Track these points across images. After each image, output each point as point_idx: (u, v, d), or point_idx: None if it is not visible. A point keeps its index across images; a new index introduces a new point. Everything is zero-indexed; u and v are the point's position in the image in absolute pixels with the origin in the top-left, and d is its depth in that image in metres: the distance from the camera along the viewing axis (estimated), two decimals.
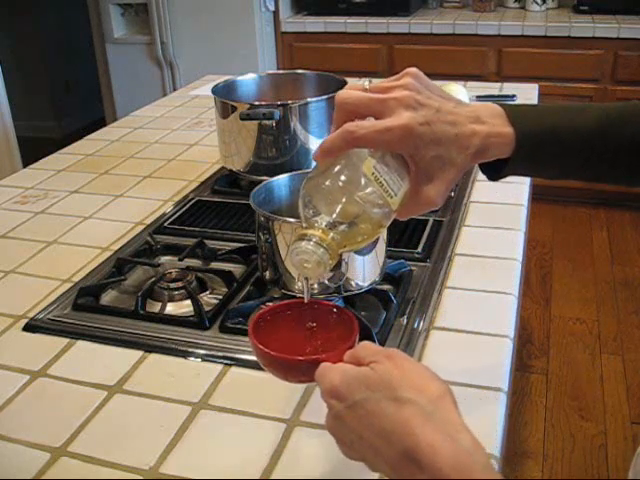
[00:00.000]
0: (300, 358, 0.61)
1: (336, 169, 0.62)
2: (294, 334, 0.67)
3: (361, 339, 0.89)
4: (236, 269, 1.09)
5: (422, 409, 0.50)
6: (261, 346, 0.63)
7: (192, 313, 0.96)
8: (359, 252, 0.91)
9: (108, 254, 1.16)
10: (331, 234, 0.60)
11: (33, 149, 2.63)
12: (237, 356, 0.88)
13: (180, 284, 1.02)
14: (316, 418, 0.78)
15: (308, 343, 0.67)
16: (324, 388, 0.56)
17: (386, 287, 1.00)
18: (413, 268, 1.06)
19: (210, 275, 1.07)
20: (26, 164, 1.71)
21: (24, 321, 0.98)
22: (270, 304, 0.99)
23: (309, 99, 1.31)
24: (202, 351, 0.90)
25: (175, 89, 3.29)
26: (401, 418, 0.49)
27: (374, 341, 0.87)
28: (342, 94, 0.67)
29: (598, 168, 0.68)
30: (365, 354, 0.56)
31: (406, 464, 0.48)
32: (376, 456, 0.51)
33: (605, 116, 0.66)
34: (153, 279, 1.03)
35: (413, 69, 0.65)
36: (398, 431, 0.49)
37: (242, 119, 1.28)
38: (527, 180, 1.42)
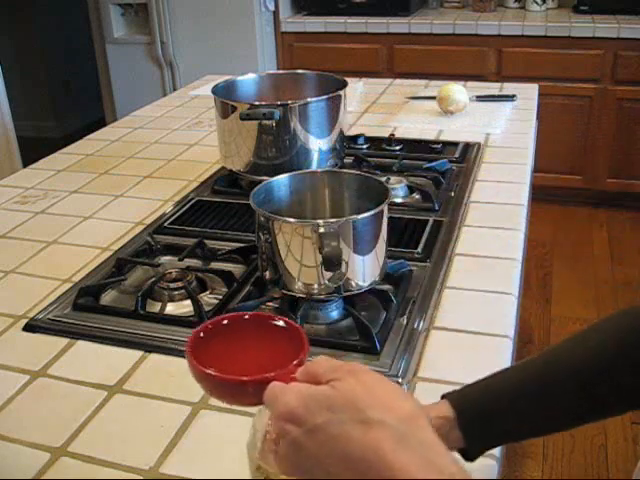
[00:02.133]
0: (245, 378, 0.52)
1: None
2: (237, 352, 0.59)
3: (361, 339, 0.89)
4: (236, 269, 1.09)
5: (394, 431, 0.43)
6: (201, 367, 0.55)
7: (192, 313, 0.96)
8: (359, 252, 0.91)
9: (108, 254, 1.16)
10: None
11: (33, 149, 2.63)
12: None
13: (180, 284, 1.02)
14: None
15: (254, 361, 0.57)
16: (277, 412, 0.48)
17: (386, 287, 1.00)
18: (413, 268, 1.06)
19: (210, 275, 1.07)
20: (26, 164, 1.71)
21: (24, 321, 0.98)
22: (265, 308, 0.99)
23: (309, 99, 1.31)
24: None
25: (175, 89, 3.29)
26: (370, 442, 0.43)
27: (374, 341, 0.87)
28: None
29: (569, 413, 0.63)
30: (323, 370, 0.50)
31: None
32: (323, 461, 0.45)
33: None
34: (153, 279, 1.03)
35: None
36: (368, 458, 0.42)
37: (242, 119, 1.28)
38: (527, 180, 1.42)
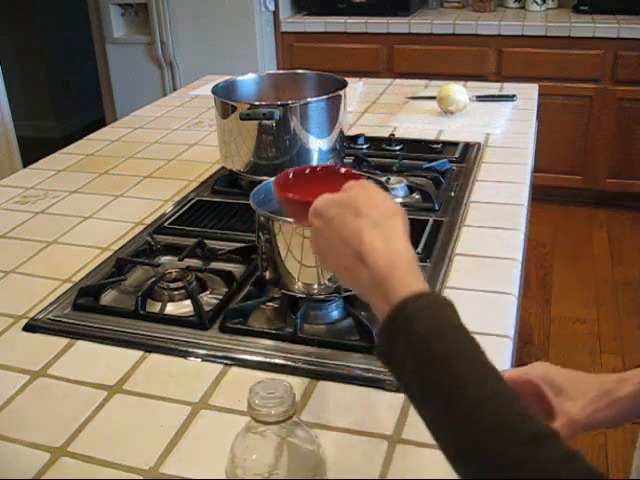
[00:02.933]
0: (305, 200, 0.68)
1: None
2: (313, 190, 0.70)
3: (361, 339, 0.89)
4: (236, 269, 1.09)
5: (373, 220, 0.60)
6: (282, 192, 0.73)
7: (192, 313, 0.96)
8: None
9: (108, 254, 1.16)
10: None
11: (33, 149, 2.63)
12: (237, 356, 0.88)
13: (180, 284, 1.02)
14: (317, 418, 0.78)
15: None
16: (310, 212, 0.65)
17: None
18: None
19: (210, 275, 1.07)
20: (26, 164, 1.71)
21: (24, 321, 0.98)
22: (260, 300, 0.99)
23: (309, 99, 1.31)
24: (202, 351, 0.90)
25: (175, 89, 3.29)
26: (356, 226, 0.60)
27: (374, 342, 0.87)
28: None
29: None
30: (348, 185, 0.65)
31: (355, 263, 0.59)
32: (339, 262, 0.62)
33: None
34: (153, 279, 1.03)
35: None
36: (353, 236, 0.59)
37: (242, 119, 1.28)
38: (527, 180, 1.42)
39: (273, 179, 0.79)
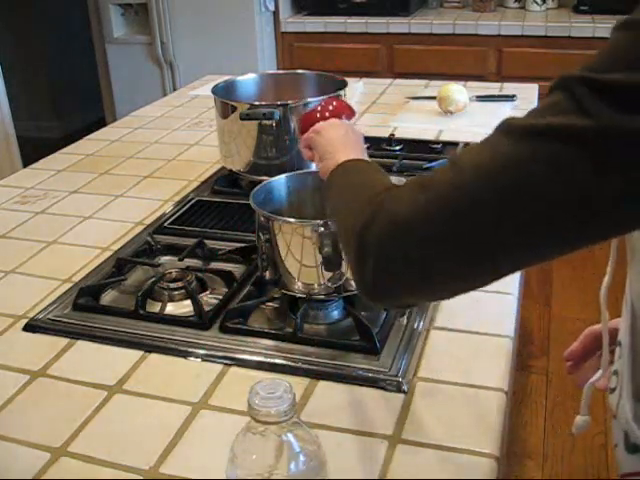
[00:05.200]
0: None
1: None
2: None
3: (361, 339, 0.89)
4: (236, 269, 1.09)
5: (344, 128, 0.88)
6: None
7: (192, 313, 0.97)
8: None
9: (108, 254, 1.16)
10: None
11: (33, 149, 2.63)
12: (237, 356, 0.88)
13: (180, 284, 1.02)
14: (317, 419, 0.78)
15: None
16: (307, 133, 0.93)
17: None
18: None
19: (210, 275, 1.07)
20: (26, 164, 1.71)
21: (24, 321, 0.98)
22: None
23: (309, 99, 1.31)
24: (202, 351, 0.90)
25: (175, 89, 3.28)
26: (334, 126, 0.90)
27: (374, 341, 0.88)
28: None
29: None
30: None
31: (324, 153, 0.85)
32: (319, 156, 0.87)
33: None
34: (153, 279, 1.03)
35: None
36: (325, 143, 0.86)
37: (242, 119, 1.28)
38: None
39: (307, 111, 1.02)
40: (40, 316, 0.99)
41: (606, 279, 0.77)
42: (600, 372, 0.79)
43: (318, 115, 0.97)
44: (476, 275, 0.56)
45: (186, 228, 1.24)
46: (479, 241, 0.52)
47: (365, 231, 0.57)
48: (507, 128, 0.51)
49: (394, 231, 0.55)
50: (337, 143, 0.83)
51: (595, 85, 0.47)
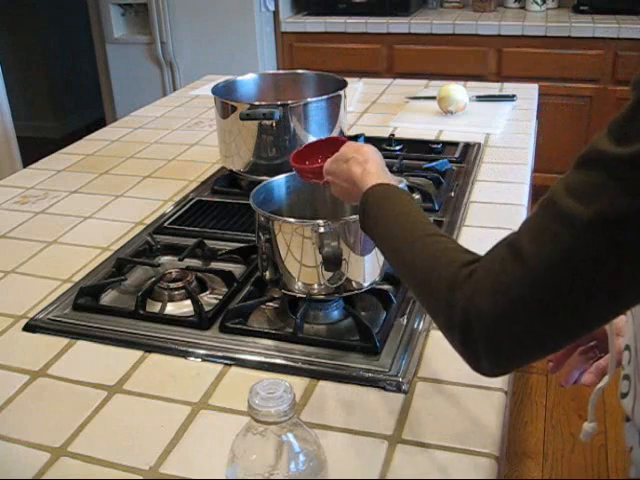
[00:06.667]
0: (303, 167, 0.96)
1: None
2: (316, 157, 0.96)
3: (361, 339, 0.89)
4: (236, 269, 1.09)
5: (355, 160, 0.83)
6: (294, 163, 0.96)
7: (192, 313, 0.96)
8: (359, 252, 0.91)
9: (108, 254, 1.16)
10: None
11: (33, 149, 2.63)
12: (237, 356, 0.88)
13: (180, 284, 1.02)
14: (317, 419, 0.78)
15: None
16: (324, 173, 0.89)
17: (386, 287, 1.00)
18: None
19: (210, 275, 1.07)
20: (26, 164, 1.71)
21: (24, 321, 0.98)
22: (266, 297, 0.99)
23: (309, 99, 1.31)
24: (202, 351, 0.90)
25: (175, 89, 3.28)
26: (344, 168, 0.84)
27: (374, 341, 0.88)
28: None
29: None
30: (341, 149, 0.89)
31: (349, 186, 0.84)
32: (343, 191, 0.86)
33: None
34: (153, 279, 1.03)
35: None
36: (345, 173, 0.84)
37: (242, 119, 1.28)
38: (527, 180, 1.42)
39: (291, 155, 0.98)
40: (40, 316, 0.99)
41: None
42: (607, 378, 0.81)
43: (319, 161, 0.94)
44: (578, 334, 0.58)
45: (186, 228, 1.24)
46: (566, 324, 0.55)
47: (463, 320, 0.58)
48: (561, 215, 0.53)
49: (491, 334, 0.57)
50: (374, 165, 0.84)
51: (633, 162, 0.49)
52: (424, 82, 2.18)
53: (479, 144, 1.61)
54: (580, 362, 0.90)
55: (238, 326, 0.94)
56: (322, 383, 0.84)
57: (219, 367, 0.87)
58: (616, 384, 0.79)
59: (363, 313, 0.94)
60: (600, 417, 2.01)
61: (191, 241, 1.15)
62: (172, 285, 1.02)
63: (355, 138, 1.62)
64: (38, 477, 0.71)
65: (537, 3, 3.39)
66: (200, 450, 0.74)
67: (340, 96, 1.35)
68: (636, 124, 0.50)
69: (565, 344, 0.61)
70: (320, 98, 1.31)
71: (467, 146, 1.59)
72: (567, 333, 0.57)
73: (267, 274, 0.97)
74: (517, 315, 0.55)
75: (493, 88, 2.08)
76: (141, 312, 0.97)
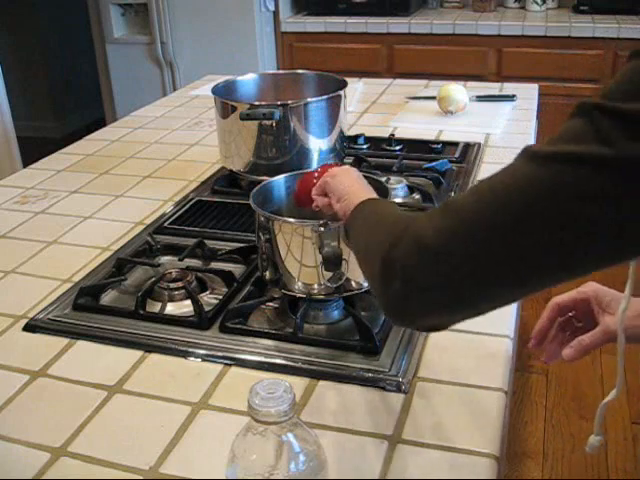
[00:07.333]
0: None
1: None
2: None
3: (361, 339, 0.89)
4: (236, 269, 1.09)
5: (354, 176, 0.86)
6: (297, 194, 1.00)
7: (192, 313, 0.96)
8: None
9: (108, 254, 1.16)
10: None
11: (33, 149, 2.63)
12: (237, 356, 0.88)
13: (180, 284, 1.02)
14: (317, 419, 0.78)
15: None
16: (317, 187, 0.90)
17: None
18: None
19: (210, 275, 1.07)
20: (26, 164, 1.71)
21: (24, 321, 0.98)
22: (268, 301, 0.99)
23: (309, 99, 1.31)
24: (202, 351, 0.90)
25: (175, 89, 3.28)
26: (343, 178, 0.85)
27: (374, 341, 0.88)
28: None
29: None
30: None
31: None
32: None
33: None
34: (153, 279, 1.03)
35: None
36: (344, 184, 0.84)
37: (242, 119, 1.28)
38: None
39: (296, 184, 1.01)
40: (40, 316, 0.99)
41: (623, 304, 0.78)
42: (615, 392, 0.81)
43: (315, 180, 0.95)
44: (503, 293, 0.57)
45: (186, 228, 1.24)
46: (502, 261, 0.53)
47: (390, 254, 0.58)
48: (529, 154, 0.53)
49: (421, 254, 0.56)
50: (354, 185, 0.84)
51: (614, 114, 0.48)
52: (424, 82, 2.18)
53: (479, 144, 1.61)
54: (561, 337, 0.89)
55: (238, 326, 0.94)
56: (322, 383, 0.84)
57: (219, 367, 0.87)
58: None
59: (363, 313, 0.94)
60: None
61: (191, 241, 1.15)
62: (172, 285, 1.02)
63: (355, 138, 1.63)
64: (38, 477, 0.71)
65: (537, 3, 3.39)
66: (200, 450, 0.74)
67: (340, 96, 1.35)
68: (626, 85, 0.49)
69: (485, 303, 0.58)
70: (320, 98, 1.31)
71: (467, 146, 1.59)
72: (493, 282, 0.54)
73: (267, 274, 0.97)
74: (453, 242, 0.54)
75: (493, 88, 2.08)
76: (141, 312, 0.97)
